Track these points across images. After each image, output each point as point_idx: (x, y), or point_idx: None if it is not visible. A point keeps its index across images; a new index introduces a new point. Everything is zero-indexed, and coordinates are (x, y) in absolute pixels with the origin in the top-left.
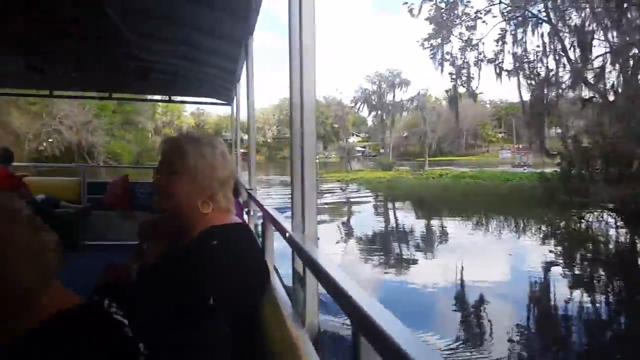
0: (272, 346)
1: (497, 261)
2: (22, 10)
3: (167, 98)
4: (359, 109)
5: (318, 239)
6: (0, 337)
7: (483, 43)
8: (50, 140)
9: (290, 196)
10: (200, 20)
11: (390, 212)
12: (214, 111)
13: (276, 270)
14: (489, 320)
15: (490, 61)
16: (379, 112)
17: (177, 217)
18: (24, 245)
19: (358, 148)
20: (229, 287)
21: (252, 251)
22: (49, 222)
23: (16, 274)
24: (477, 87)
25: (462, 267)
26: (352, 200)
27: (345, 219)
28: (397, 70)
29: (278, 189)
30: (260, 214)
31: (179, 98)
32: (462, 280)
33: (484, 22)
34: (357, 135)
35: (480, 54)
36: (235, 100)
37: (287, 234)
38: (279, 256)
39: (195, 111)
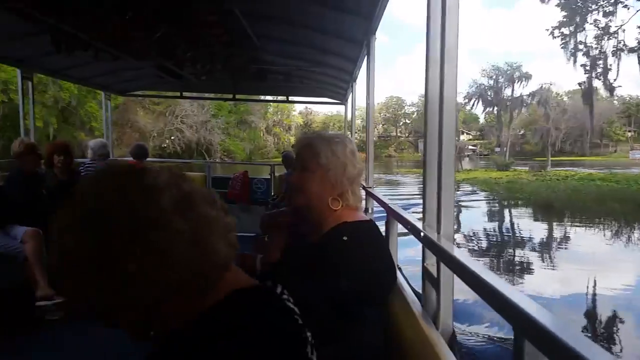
0: (405, 345)
1: None
2: (164, 17)
3: (284, 98)
4: (472, 105)
5: (456, 241)
6: (192, 310)
7: (624, 30)
8: (172, 137)
9: (395, 195)
10: (322, 22)
11: (515, 218)
12: (322, 110)
13: (399, 268)
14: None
15: (632, 50)
16: (495, 108)
17: (307, 213)
18: (220, 224)
19: (469, 147)
20: (360, 283)
21: (380, 248)
22: None
23: (216, 250)
24: (615, 80)
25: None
26: (466, 201)
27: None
28: (517, 64)
29: (383, 188)
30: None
31: (295, 98)
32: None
33: (625, 6)
34: (467, 133)
35: (620, 42)
36: (351, 99)
37: (422, 234)
38: None
39: (303, 110)
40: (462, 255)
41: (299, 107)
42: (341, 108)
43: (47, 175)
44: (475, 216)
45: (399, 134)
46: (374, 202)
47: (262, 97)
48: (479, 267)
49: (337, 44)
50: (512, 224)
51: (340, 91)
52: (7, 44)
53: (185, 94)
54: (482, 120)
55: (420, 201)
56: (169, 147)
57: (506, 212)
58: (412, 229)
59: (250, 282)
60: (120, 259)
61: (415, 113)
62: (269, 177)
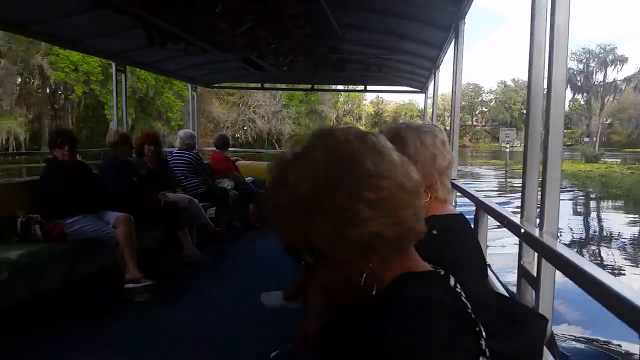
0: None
1: None
2: (251, 10)
3: (362, 88)
4: None
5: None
6: (386, 275)
7: None
8: (245, 128)
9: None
10: (406, 8)
11: (617, 216)
12: (393, 99)
13: (489, 265)
14: None
15: None
16: (585, 94)
17: None
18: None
19: None
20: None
21: (471, 243)
22: (256, 200)
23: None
24: None
25: None
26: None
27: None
28: (611, 45)
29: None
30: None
31: (373, 87)
32: None
33: None
34: None
35: None
36: (432, 87)
37: (523, 230)
38: None
39: (374, 99)
40: (571, 253)
41: (369, 96)
42: (414, 97)
43: (138, 163)
44: (569, 212)
45: (474, 123)
46: (456, 195)
47: (340, 87)
48: (594, 267)
49: (420, 29)
50: (615, 223)
51: (420, 79)
52: (104, 38)
53: (266, 85)
54: (566, 107)
55: (502, 200)
56: (241, 137)
57: (605, 208)
58: (509, 225)
59: (425, 266)
60: (354, 198)
61: (494, 101)
62: None
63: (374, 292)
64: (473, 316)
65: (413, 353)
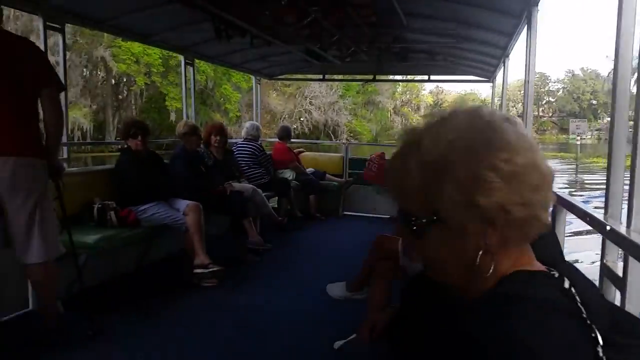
0: None
1: None
2: (316, 1)
3: (425, 77)
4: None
5: None
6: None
7: None
8: (301, 119)
9: None
10: None
11: None
12: (454, 89)
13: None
14: None
15: None
16: None
17: None
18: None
19: None
20: None
21: (549, 240)
22: (316, 192)
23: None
24: None
25: None
26: None
27: None
28: None
29: None
30: None
31: (436, 77)
32: None
33: None
34: None
35: None
36: (502, 76)
37: (609, 227)
38: None
39: (433, 89)
40: None
41: (428, 86)
42: (476, 87)
43: (205, 153)
44: None
45: (540, 114)
46: None
47: (402, 77)
48: None
49: (489, 17)
50: None
51: (488, 68)
52: (173, 32)
53: (327, 76)
54: None
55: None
56: (297, 129)
57: None
58: (593, 222)
59: (539, 266)
60: (488, 166)
61: (561, 91)
62: None
63: (488, 274)
64: (589, 322)
65: (535, 354)
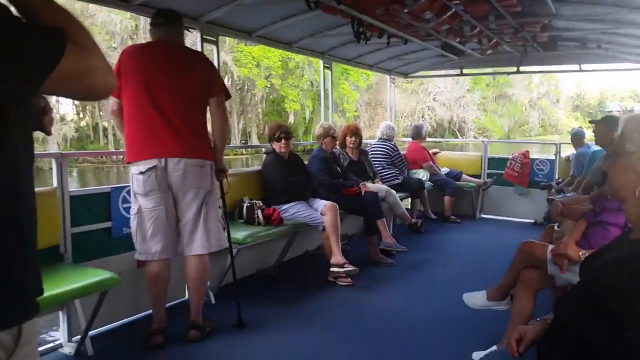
0: None
1: None
2: None
3: (576, 68)
4: None
5: None
6: None
7: None
8: (423, 116)
9: None
10: None
11: None
12: (600, 80)
13: None
14: None
15: None
16: None
17: (623, 206)
18: None
19: None
20: None
21: None
22: (451, 193)
23: None
24: None
25: None
26: None
27: None
28: None
29: None
30: None
31: (588, 67)
32: None
33: None
34: None
35: None
36: None
37: None
38: None
39: (575, 79)
40: None
41: (565, 77)
42: (626, 76)
43: (341, 154)
44: None
45: None
46: None
47: (549, 68)
48: None
49: None
50: None
51: None
52: (313, 38)
53: (466, 71)
54: None
55: None
56: None
57: None
58: None
59: None
60: None
61: None
62: (554, 157)
63: None
64: None
65: None
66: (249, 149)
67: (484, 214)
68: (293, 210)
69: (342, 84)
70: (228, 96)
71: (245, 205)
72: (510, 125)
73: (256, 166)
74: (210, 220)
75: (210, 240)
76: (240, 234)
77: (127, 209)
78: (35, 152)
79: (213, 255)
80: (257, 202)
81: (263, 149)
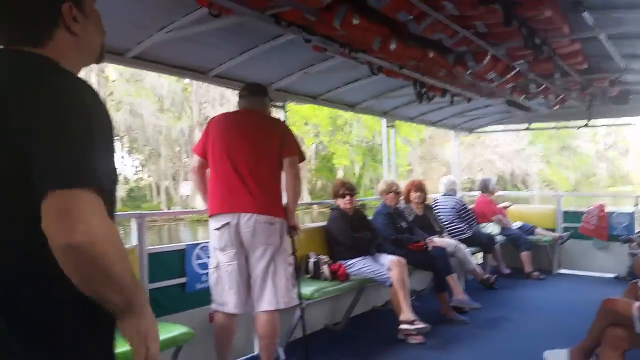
0: None
1: None
2: (520, 56)
3: None
4: None
5: None
6: None
7: None
8: (481, 169)
9: None
10: None
11: None
12: None
13: None
14: None
15: None
16: None
17: None
18: None
19: None
20: None
21: None
22: (525, 247)
23: None
24: None
25: None
26: None
27: None
28: None
29: None
30: None
31: None
32: None
33: None
34: None
35: None
36: None
37: None
38: None
39: None
40: None
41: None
42: None
43: (406, 209)
44: None
45: None
46: None
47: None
48: None
49: None
50: None
51: None
52: (376, 99)
53: (533, 125)
54: None
55: None
56: (479, 181)
57: None
58: None
59: None
60: None
61: None
62: (633, 209)
63: None
64: None
65: None
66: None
67: (562, 269)
68: (359, 266)
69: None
70: (302, 158)
71: (311, 260)
72: (577, 177)
73: (307, 222)
74: (278, 276)
75: (279, 297)
76: (307, 289)
77: (201, 265)
78: (117, 213)
79: (282, 310)
80: (323, 257)
81: (328, 206)
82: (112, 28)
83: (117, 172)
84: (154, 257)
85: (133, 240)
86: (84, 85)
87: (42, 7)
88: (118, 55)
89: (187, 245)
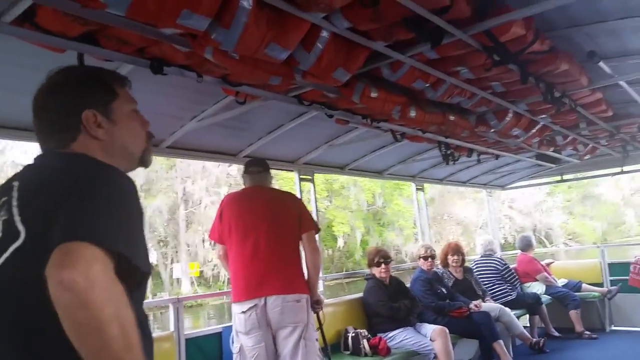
0: None
1: None
2: (542, 110)
3: None
4: None
5: None
6: None
7: None
8: (501, 226)
9: None
10: None
11: None
12: None
13: None
14: None
15: None
16: None
17: None
18: None
19: None
20: None
21: None
22: (574, 305)
23: None
24: None
25: None
26: None
27: None
28: None
29: None
30: None
31: None
32: None
33: None
34: None
35: None
36: None
37: None
38: None
39: None
40: None
41: None
42: None
43: (444, 274)
44: None
45: None
46: None
47: None
48: None
49: None
50: None
51: None
52: (403, 164)
53: (566, 177)
54: None
55: None
56: (499, 238)
57: None
58: None
59: None
60: None
61: None
62: None
63: None
64: None
65: None
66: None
67: (614, 326)
68: (400, 338)
69: (395, 200)
70: (317, 230)
71: (350, 335)
72: (603, 228)
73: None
74: (308, 355)
75: None
76: None
77: None
78: (153, 299)
79: None
80: (361, 331)
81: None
82: (150, 122)
83: (149, 259)
84: (191, 342)
85: (170, 326)
86: (122, 177)
87: (64, 115)
88: (154, 147)
89: (223, 327)
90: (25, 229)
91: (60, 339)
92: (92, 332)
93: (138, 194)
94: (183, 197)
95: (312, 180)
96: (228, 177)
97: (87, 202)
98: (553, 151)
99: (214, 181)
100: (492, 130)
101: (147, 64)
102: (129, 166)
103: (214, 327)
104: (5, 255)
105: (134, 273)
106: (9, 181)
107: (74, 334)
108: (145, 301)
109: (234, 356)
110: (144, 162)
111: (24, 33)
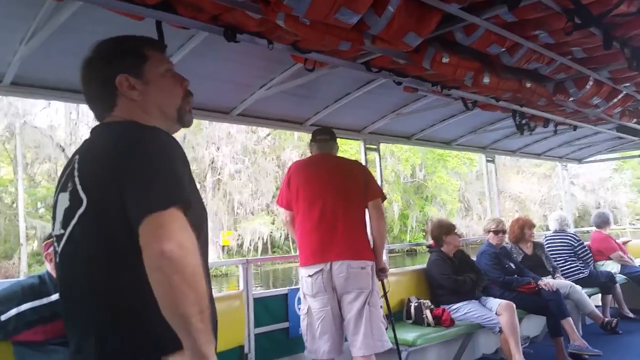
0: None
1: None
2: (626, 78)
3: None
4: None
5: None
6: None
7: None
8: (560, 204)
9: None
10: None
11: None
12: None
13: None
14: None
15: None
16: None
17: None
18: None
19: None
20: None
21: None
22: None
23: None
24: None
25: None
26: None
27: None
28: None
29: None
30: None
31: None
32: None
33: None
34: None
35: None
36: None
37: None
38: None
39: None
40: None
41: None
42: None
43: (514, 249)
44: None
45: None
46: None
47: None
48: None
49: None
50: None
51: None
52: (473, 134)
53: None
54: None
55: None
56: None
57: None
58: None
59: None
60: None
61: None
62: None
63: None
64: None
65: None
66: None
67: None
68: (464, 310)
69: (438, 173)
70: (384, 198)
71: (412, 305)
72: None
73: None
74: (372, 320)
75: (373, 340)
76: (409, 335)
77: None
78: (223, 260)
79: (379, 354)
80: (424, 301)
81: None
82: (220, 90)
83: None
84: (259, 302)
85: (240, 285)
86: (161, 133)
87: (102, 85)
88: (225, 114)
89: (289, 290)
90: (86, 197)
91: (115, 281)
92: (184, 291)
93: (181, 147)
94: (211, 164)
95: (377, 150)
96: (257, 144)
97: (145, 166)
98: (636, 123)
99: (239, 148)
100: (571, 99)
101: (221, 32)
102: (170, 126)
103: (280, 289)
104: (74, 221)
105: (199, 215)
106: (73, 156)
107: (163, 291)
108: (216, 262)
109: (302, 317)
110: (183, 122)
111: (104, 1)
